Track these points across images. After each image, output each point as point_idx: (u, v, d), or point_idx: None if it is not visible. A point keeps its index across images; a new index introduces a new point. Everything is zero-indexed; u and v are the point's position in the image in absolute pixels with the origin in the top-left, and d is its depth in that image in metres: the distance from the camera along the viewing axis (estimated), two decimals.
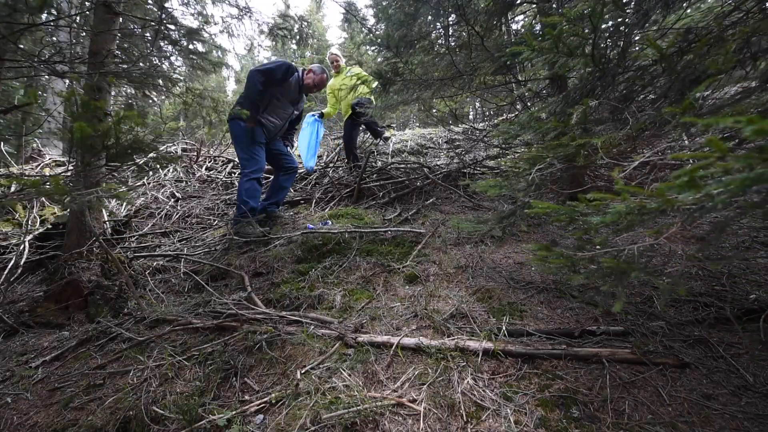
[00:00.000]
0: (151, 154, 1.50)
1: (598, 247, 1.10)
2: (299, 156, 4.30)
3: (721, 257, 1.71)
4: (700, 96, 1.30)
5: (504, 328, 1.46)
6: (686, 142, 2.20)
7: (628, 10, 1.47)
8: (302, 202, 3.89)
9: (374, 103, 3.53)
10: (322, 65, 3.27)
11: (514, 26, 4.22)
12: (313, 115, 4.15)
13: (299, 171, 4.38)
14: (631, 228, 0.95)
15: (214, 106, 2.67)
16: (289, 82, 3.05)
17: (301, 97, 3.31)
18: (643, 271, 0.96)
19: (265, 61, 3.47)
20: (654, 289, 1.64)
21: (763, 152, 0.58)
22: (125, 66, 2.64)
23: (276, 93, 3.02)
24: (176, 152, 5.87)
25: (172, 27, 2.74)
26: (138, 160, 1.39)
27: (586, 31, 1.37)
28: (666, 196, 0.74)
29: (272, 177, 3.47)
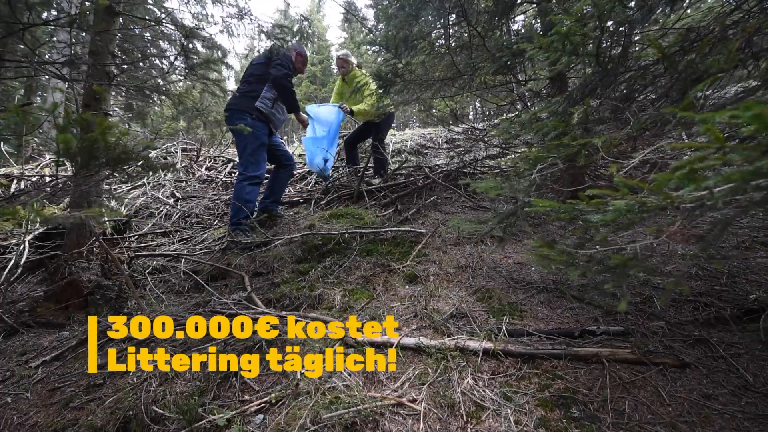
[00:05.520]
0: (140, 162, 1.50)
1: (597, 247, 1.09)
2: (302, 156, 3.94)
3: (722, 256, 1.70)
4: (701, 95, 1.30)
5: (504, 328, 1.46)
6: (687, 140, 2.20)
7: (631, 6, 1.46)
8: (302, 201, 3.89)
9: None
10: (298, 42, 3.10)
11: (513, 26, 4.22)
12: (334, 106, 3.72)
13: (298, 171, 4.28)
14: (631, 226, 0.94)
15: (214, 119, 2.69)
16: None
17: None
18: (646, 269, 0.95)
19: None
20: (654, 288, 1.64)
21: (761, 145, 0.58)
22: (125, 66, 2.64)
23: None
24: (175, 152, 5.87)
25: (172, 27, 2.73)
26: (128, 168, 1.39)
27: (593, 29, 1.36)
28: (665, 191, 0.74)
29: (270, 174, 3.37)
